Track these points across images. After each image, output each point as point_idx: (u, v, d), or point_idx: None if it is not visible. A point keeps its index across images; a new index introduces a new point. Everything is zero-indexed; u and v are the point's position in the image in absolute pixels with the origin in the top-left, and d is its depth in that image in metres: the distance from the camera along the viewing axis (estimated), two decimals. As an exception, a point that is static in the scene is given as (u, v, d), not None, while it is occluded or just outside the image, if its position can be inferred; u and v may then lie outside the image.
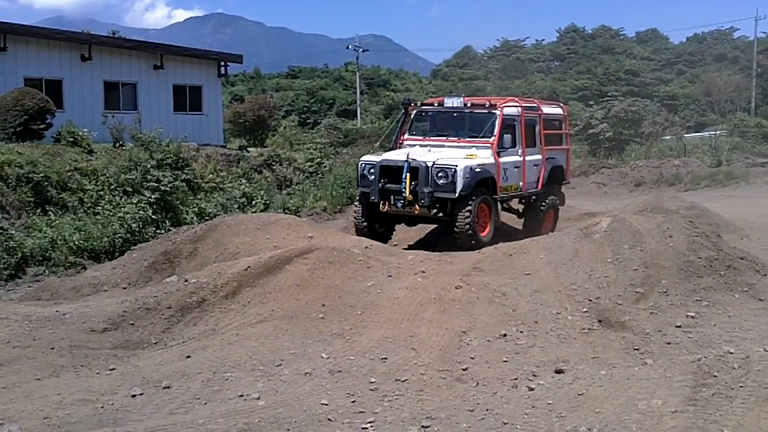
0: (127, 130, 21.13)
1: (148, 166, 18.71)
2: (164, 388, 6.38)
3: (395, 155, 13.22)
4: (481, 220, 12.68)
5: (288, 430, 5.57)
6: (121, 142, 20.91)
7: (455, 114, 13.99)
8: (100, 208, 16.89)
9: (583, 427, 5.22)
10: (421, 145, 13.62)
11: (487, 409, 5.91)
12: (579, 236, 10.60)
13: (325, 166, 25.86)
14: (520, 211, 15.16)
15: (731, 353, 5.97)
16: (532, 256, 10.20)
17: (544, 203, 14.69)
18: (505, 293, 9.01)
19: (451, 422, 5.72)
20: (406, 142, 14.08)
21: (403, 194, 12.44)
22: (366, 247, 10.92)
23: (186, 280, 9.29)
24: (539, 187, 14.64)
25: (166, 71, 26.67)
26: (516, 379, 6.79)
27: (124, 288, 10.76)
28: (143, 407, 5.97)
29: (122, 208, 16.81)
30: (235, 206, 19.92)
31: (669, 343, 7.80)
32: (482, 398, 6.24)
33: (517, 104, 14.09)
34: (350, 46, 60.77)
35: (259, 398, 6.15)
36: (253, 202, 20.71)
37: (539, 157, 14.58)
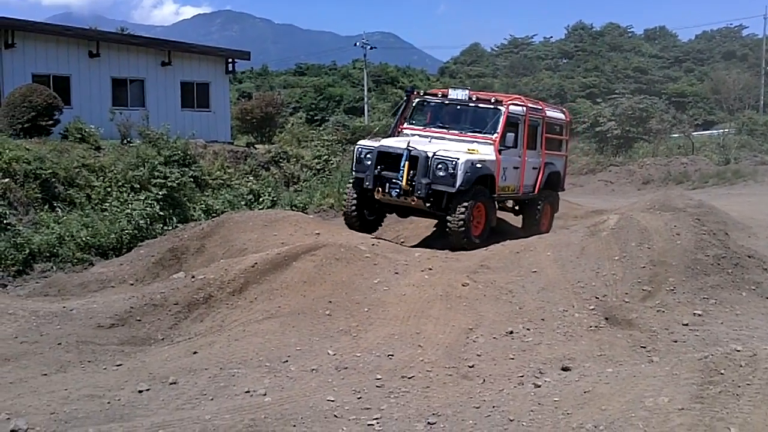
0: (134, 127, 21.19)
1: (156, 162, 18.77)
2: (171, 383, 6.39)
3: (395, 142, 12.79)
4: (476, 220, 12.30)
5: (294, 426, 5.58)
6: (128, 139, 20.97)
7: (459, 107, 13.54)
8: (107, 204, 16.97)
9: (590, 425, 5.21)
10: (420, 135, 13.21)
11: (494, 406, 5.90)
12: (586, 234, 10.58)
13: (332, 163, 25.87)
14: (516, 209, 14.75)
15: (738, 351, 5.94)
16: (539, 253, 10.19)
17: (540, 201, 14.29)
18: (511, 290, 9.00)
19: (457, 419, 5.72)
20: (405, 131, 13.66)
21: (400, 183, 12.01)
22: (373, 245, 10.92)
23: (193, 277, 9.31)
24: (536, 191, 14.23)
25: (174, 68, 26.71)
26: (522, 376, 6.78)
27: (131, 284, 10.80)
28: (150, 403, 5.98)
29: (129, 205, 16.88)
30: (243, 203, 19.96)
31: (676, 341, 7.78)
32: (488, 395, 6.23)
33: (522, 103, 13.75)
34: (358, 44, 60.66)
35: (265, 394, 6.15)
36: (261, 199, 20.75)
37: (539, 160, 14.24)
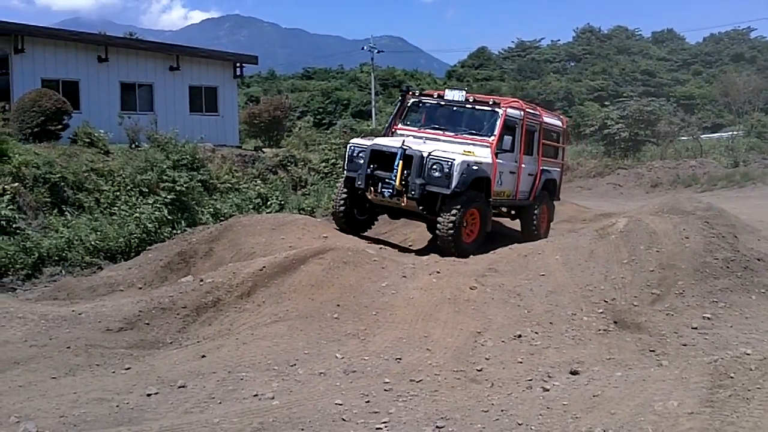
0: (143, 131, 21.24)
1: (164, 166, 18.82)
2: (179, 387, 6.41)
3: (389, 141, 12.40)
4: (469, 226, 11.83)
5: (302, 429, 5.58)
6: (137, 143, 21.02)
7: (455, 108, 13.09)
8: (116, 208, 17.02)
9: (599, 429, 5.19)
10: (414, 136, 12.76)
11: (502, 410, 5.89)
12: (595, 237, 10.55)
13: (340, 167, 25.87)
14: (513, 214, 14.33)
15: (748, 354, 5.93)
16: (548, 257, 10.16)
17: (536, 207, 13.81)
18: (520, 294, 8.98)
19: (465, 423, 5.71)
20: (399, 131, 13.22)
21: (393, 183, 11.58)
22: (381, 248, 10.91)
23: (201, 280, 9.33)
24: (531, 198, 13.79)
25: (182, 72, 26.81)
26: (531, 380, 6.77)
27: (140, 288, 10.82)
28: (158, 406, 5.99)
29: (138, 209, 16.94)
30: (251, 207, 20.01)
31: (685, 345, 7.75)
32: (497, 399, 6.22)
33: (520, 107, 13.33)
34: (365, 47, 60.80)
35: (273, 398, 6.16)
36: (269, 203, 20.80)
37: (535, 166, 13.84)
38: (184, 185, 18.61)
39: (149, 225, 16.53)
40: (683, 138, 36.34)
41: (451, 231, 11.34)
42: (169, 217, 17.41)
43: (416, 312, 8.41)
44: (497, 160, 12.35)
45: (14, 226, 14.46)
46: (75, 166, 17.68)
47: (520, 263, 10.17)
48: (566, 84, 69.93)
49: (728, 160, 31.13)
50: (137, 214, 16.67)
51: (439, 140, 12.58)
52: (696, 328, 8.18)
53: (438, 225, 11.50)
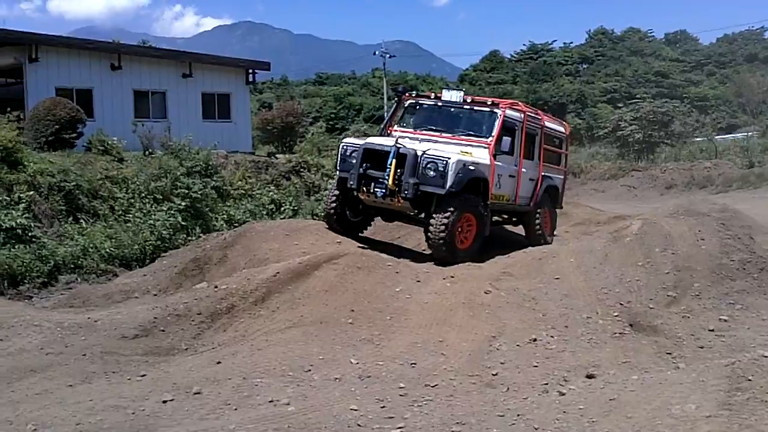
0: (156, 138, 21.36)
1: (178, 173, 18.91)
2: (195, 393, 6.41)
3: (382, 140, 12.04)
4: (464, 233, 11.35)
5: (318, 435, 5.57)
6: (150, 150, 21.13)
7: (452, 109, 12.74)
8: (130, 215, 17.10)
9: (616, 433, 5.16)
10: (411, 138, 12.33)
11: (518, 415, 5.87)
12: (609, 240, 10.50)
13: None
14: (514, 220, 13.97)
15: (766, 357, 5.88)
16: (562, 260, 10.12)
17: (538, 212, 13.43)
18: (534, 298, 8.94)
19: (481, 428, 5.69)
20: (395, 133, 12.74)
21: (386, 182, 11.14)
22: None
23: (216, 287, 9.34)
24: (532, 204, 13.37)
25: (195, 79, 26.93)
26: (547, 384, 6.74)
27: (155, 295, 10.85)
28: (174, 413, 6.00)
29: (152, 216, 17.01)
30: (264, 213, 20.06)
31: (702, 347, 7.70)
32: (513, 403, 6.20)
33: (520, 109, 12.97)
34: (377, 52, 60.85)
35: (288, 404, 6.15)
36: (282, 209, 20.83)
37: (536, 172, 13.44)
38: (198, 192, 18.69)
39: (164, 232, 16.60)
40: (697, 139, 36.19)
41: (443, 234, 10.89)
42: (183, 223, 17.48)
43: (431, 316, 8.39)
44: (496, 162, 11.96)
45: (30, 234, 14.55)
46: (89, 174, 17.79)
47: (534, 267, 10.14)
48: (579, 86, 69.75)
49: (743, 161, 30.92)
50: (151, 221, 16.75)
51: (436, 141, 12.17)
52: (713, 331, 8.12)
53: (429, 228, 11.08)
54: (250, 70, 29.23)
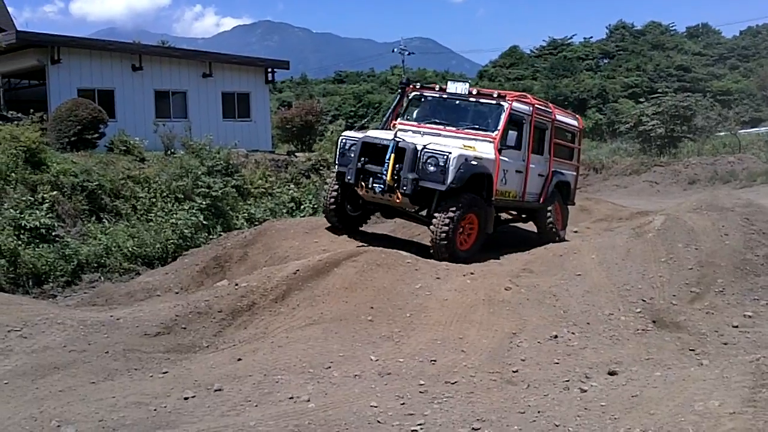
0: (177, 138, 21.50)
1: (199, 172, 19.03)
2: (216, 390, 6.45)
3: (381, 133, 11.67)
4: (465, 233, 11.09)
5: (338, 432, 5.58)
6: (172, 150, 21.27)
7: (457, 102, 12.35)
8: (152, 214, 17.24)
9: (638, 430, 5.12)
10: (413, 131, 11.95)
11: (539, 411, 5.84)
12: (631, 235, 10.42)
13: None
14: (523, 217, 13.69)
15: (791, 353, 5.79)
16: (583, 256, 10.05)
17: (549, 209, 13.06)
18: (555, 294, 8.89)
19: (501, 424, 5.66)
20: (398, 126, 12.32)
21: (384, 177, 10.80)
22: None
23: (236, 284, 9.38)
24: (541, 200, 12.97)
25: (215, 79, 27.07)
26: (568, 380, 6.70)
27: (177, 293, 10.93)
28: (195, 410, 6.03)
29: (174, 215, 17.14)
30: (284, 211, 20.14)
31: (726, 344, 7.61)
32: (533, 400, 6.17)
33: (529, 102, 12.55)
34: (396, 50, 60.89)
35: (309, 401, 6.17)
36: (302, 207, 20.90)
37: (545, 167, 13.05)
38: (219, 191, 18.80)
39: (185, 230, 16.72)
40: (721, 133, 35.73)
41: (445, 235, 10.64)
42: (204, 222, 17.60)
43: (450, 313, 8.37)
44: (501, 157, 11.59)
45: (53, 234, 14.72)
46: (112, 174, 17.94)
47: (555, 263, 10.07)
48: (600, 81, 69.19)
49: (767, 155, 30.52)
50: (173, 220, 16.87)
51: (439, 135, 11.84)
52: (737, 327, 8.02)
53: (431, 227, 10.82)
54: (270, 69, 29.33)
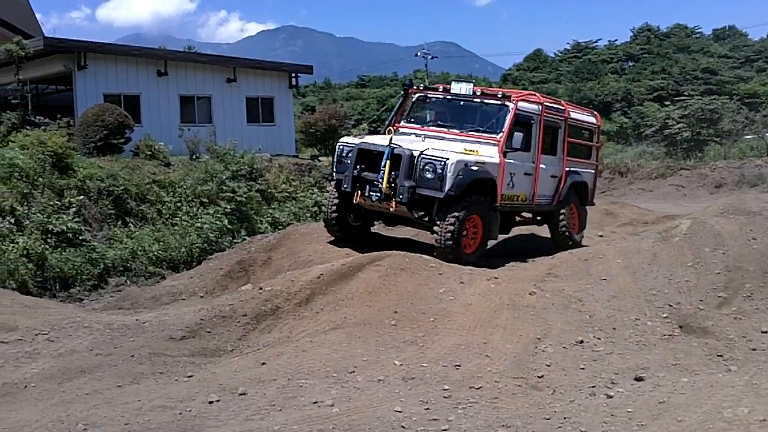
0: (202, 143, 21.67)
1: (224, 177, 19.14)
2: (240, 394, 6.46)
3: (377, 139, 11.36)
4: (469, 236, 10.77)
5: (362, 437, 5.57)
6: (196, 155, 21.44)
7: (462, 103, 11.95)
8: (177, 219, 17.37)
9: (665, 437, 5.06)
10: (416, 135, 11.69)
11: (564, 417, 5.79)
12: (657, 240, 10.31)
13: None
14: (538, 219, 13.26)
15: (822, 359, 5.70)
16: (609, 260, 9.96)
17: (563, 213, 12.69)
18: (581, 299, 8.81)
19: (527, 430, 5.62)
20: (401, 130, 12.07)
21: (380, 185, 10.52)
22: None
23: (260, 288, 9.40)
24: (555, 203, 12.60)
25: (239, 84, 27.27)
26: (594, 386, 6.63)
27: (201, 296, 10.99)
28: (220, 413, 6.05)
29: (199, 219, 17.26)
30: (308, 215, 20.19)
31: (754, 350, 7.49)
32: (559, 406, 6.11)
33: (537, 101, 12.12)
34: (419, 54, 60.70)
35: (333, 405, 6.16)
36: (325, 211, 20.90)
37: (559, 167, 12.60)
38: (243, 195, 18.90)
39: (210, 235, 16.82)
40: (748, 137, 35.37)
41: (450, 242, 10.37)
42: (229, 226, 17.70)
43: (475, 318, 8.33)
44: (507, 160, 11.22)
45: (80, 238, 14.87)
46: (137, 179, 18.12)
47: (580, 268, 9.99)
48: (625, 84, 68.73)
49: (795, 158, 30.13)
50: (198, 224, 16.99)
51: (443, 139, 11.54)
52: (765, 332, 7.89)
53: (434, 235, 10.54)
54: (293, 74, 29.51)
